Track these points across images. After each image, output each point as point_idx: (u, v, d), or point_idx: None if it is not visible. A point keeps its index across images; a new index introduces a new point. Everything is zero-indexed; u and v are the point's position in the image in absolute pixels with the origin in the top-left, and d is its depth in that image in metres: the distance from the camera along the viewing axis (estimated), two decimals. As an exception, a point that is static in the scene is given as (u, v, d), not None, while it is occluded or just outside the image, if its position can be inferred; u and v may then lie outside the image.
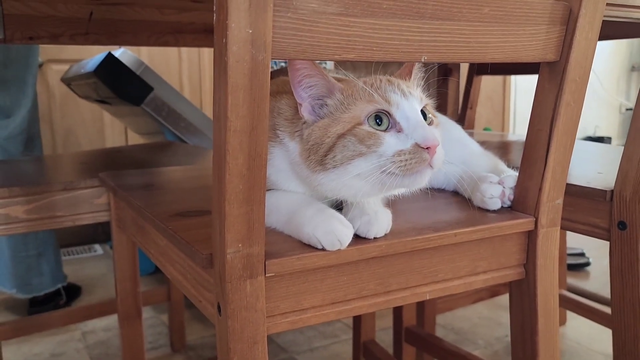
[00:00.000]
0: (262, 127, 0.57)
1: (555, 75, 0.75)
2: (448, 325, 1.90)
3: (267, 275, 0.62)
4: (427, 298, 0.76)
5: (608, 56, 3.97)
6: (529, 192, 0.80)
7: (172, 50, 2.74)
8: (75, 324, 1.86)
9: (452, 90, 1.98)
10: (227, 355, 0.62)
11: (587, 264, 2.36)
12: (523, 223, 0.79)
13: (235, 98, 0.55)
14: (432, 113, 0.72)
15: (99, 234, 2.71)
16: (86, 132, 2.64)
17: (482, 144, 1.12)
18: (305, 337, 1.82)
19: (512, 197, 0.83)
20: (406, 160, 0.65)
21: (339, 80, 0.70)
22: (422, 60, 0.64)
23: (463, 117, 2.00)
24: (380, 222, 0.69)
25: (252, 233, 0.60)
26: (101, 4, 1.46)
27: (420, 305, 1.60)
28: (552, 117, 0.76)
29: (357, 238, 0.69)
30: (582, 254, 2.40)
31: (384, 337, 1.74)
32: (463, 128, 2.08)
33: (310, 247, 0.66)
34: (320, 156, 0.66)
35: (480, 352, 1.72)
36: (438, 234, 0.72)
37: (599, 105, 4.11)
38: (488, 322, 1.93)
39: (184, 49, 2.76)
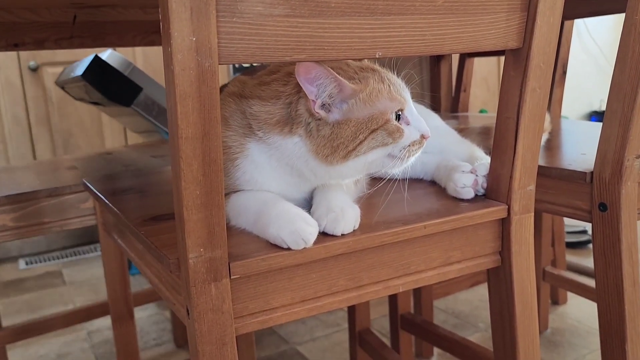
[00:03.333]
0: (214, 133, 0.57)
1: (520, 62, 0.74)
2: (449, 310, 1.90)
3: (232, 277, 0.63)
4: (400, 290, 0.76)
5: (611, 29, 3.91)
6: (501, 179, 0.80)
7: (167, 48, 2.74)
8: (80, 324, 1.89)
9: (445, 73, 1.96)
10: (197, 357, 0.63)
11: (589, 241, 2.34)
12: (495, 211, 0.79)
13: (184, 106, 0.55)
14: None
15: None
16: (85, 133, 2.66)
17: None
18: (307, 327, 1.84)
19: (485, 184, 0.83)
20: (415, 149, 0.74)
21: (362, 69, 0.74)
22: (377, 57, 0.64)
23: (457, 100, 1.99)
24: (347, 219, 0.70)
25: (213, 237, 0.61)
26: (84, 7, 1.46)
27: (417, 292, 1.60)
28: (519, 104, 0.76)
29: (325, 235, 0.69)
30: (584, 232, 2.39)
31: (385, 323, 1.75)
32: (457, 111, 2.07)
33: (277, 247, 0.67)
34: (350, 150, 0.69)
35: (481, 335, 1.72)
36: (406, 227, 0.73)
37: (604, 79, 4.05)
38: (489, 305, 1.93)
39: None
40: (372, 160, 0.72)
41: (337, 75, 0.68)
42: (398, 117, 0.73)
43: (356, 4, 0.61)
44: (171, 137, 0.58)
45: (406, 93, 0.75)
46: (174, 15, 0.52)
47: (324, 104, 0.69)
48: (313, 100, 0.68)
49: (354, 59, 0.70)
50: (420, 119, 0.75)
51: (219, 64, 0.56)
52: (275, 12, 0.57)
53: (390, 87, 0.72)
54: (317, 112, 0.69)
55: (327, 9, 0.59)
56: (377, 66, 0.76)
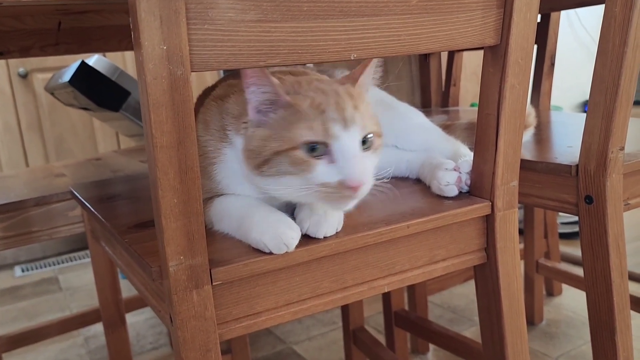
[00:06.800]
0: (189, 141, 0.57)
1: (498, 59, 0.74)
2: (444, 304, 1.91)
3: (214, 283, 0.63)
4: (386, 291, 0.76)
5: (602, 17, 3.90)
6: (484, 176, 0.80)
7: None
8: (77, 330, 1.89)
9: (434, 68, 1.96)
10: (181, 365, 0.63)
11: (584, 231, 2.34)
12: (479, 208, 0.79)
13: (158, 115, 0.55)
14: (376, 132, 0.70)
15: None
16: (77, 138, 2.65)
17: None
18: (303, 326, 1.84)
19: (469, 182, 0.83)
20: (329, 192, 0.65)
21: (316, 89, 0.68)
22: (352, 58, 0.64)
23: (447, 95, 1.99)
24: (330, 221, 0.70)
25: (193, 244, 0.61)
26: (69, 13, 1.45)
27: (411, 288, 1.61)
28: (499, 101, 0.75)
29: (308, 238, 0.69)
30: (578, 222, 2.39)
31: (380, 320, 1.75)
32: (448, 106, 2.07)
33: (260, 252, 0.66)
34: (258, 163, 0.67)
35: (477, 329, 1.72)
36: (390, 228, 0.73)
37: (596, 67, 4.05)
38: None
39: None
40: (289, 186, 0.66)
41: (274, 83, 0.65)
42: (317, 150, 0.65)
43: (329, 7, 0.60)
44: (147, 146, 0.58)
45: (345, 131, 0.65)
46: (144, 24, 0.52)
47: (259, 110, 0.67)
48: (249, 102, 0.67)
49: (329, 62, 0.70)
50: (354, 164, 0.64)
51: (192, 72, 0.56)
52: (247, 18, 0.57)
53: (322, 116, 0.65)
54: (248, 113, 0.68)
55: (299, 13, 0.59)
56: (341, 91, 0.68)
